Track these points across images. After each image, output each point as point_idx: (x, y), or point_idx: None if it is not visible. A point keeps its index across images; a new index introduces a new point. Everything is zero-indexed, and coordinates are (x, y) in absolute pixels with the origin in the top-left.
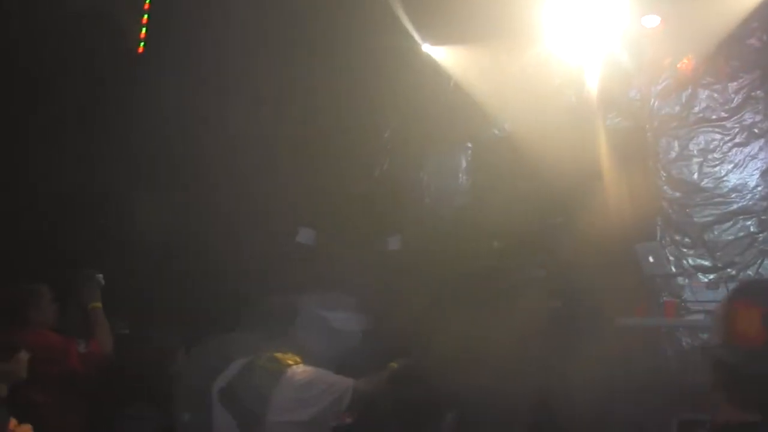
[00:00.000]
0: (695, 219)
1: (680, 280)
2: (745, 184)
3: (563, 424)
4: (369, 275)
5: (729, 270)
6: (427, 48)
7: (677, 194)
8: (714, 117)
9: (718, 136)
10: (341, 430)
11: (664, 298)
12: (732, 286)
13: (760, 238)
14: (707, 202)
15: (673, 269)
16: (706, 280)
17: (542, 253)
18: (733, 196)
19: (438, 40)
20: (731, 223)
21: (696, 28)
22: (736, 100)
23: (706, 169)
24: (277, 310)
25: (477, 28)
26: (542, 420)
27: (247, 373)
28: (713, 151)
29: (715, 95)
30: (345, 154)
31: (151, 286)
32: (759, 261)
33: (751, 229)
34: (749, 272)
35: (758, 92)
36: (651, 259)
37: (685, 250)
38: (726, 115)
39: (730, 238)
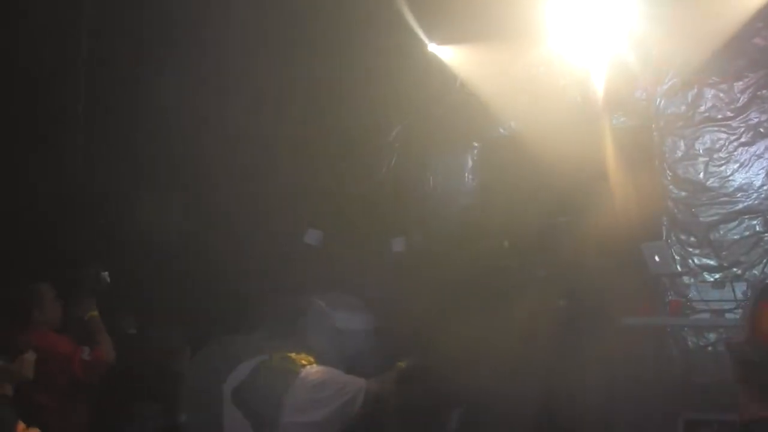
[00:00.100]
0: (701, 218)
1: (686, 279)
2: (750, 184)
3: (567, 423)
4: (374, 275)
5: (734, 269)
6: (433, 47)
7: (683, 193)
8: (720, 116)
9: (723, 136)
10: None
11: (670, 298)
12: (738, 285)
13: (766, 238)
14: (713, 201)
15: (679, 268)
16: (711, 279)
17: (547, 252)
18: (739, 195)
19: (444, 39)
20: (737, 222)
21: (701, 28)
22: (741, 99)
23: (712, 169)
24: (283, 311)
25: (483, 28)
26: (546, 419)
27: (261, 374)
28: (719, 150)
29: (721, 94)
30: (350, 154)
31: (154, 285)
32: (764, 260)
33: (757, 229)
34: (755, 272)
35: (764, 91)
36: (656, 259)
37: (690, 249)
38: (732, 115)
39: (735, 237)
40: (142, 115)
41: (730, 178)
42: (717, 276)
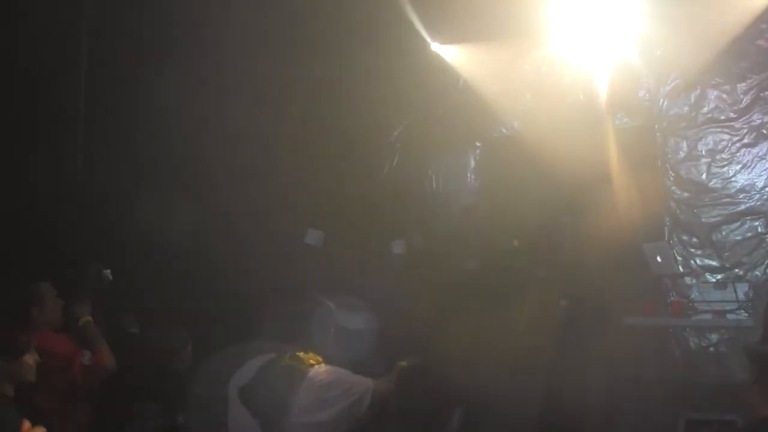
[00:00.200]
0: (703, 219)
1: (688, 280)
2: (753, 185)
3: (569, 423)
4: (375, 275)
5: (737, 270)
6: (435, 47)
7: (685, 194)
8: (723, 117)
9: (726, 137)
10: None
11: (672, 298)
12: (740, 286)
13: None
14: (715, 202)
15: (681, 269)
16: (713, 280)
17: (550, 252)
18: (741, 196)
19: (446, 39)
20: (739, 223)
21: (705, 29)
22: (744, 100)
23: (715, 170)
24: (287, 311)
25: (485, 28)
26: (548, 419)
27: (269, 372)
28: (721, 151)
29: (724, 96)
30: (351, 154)
31: (154, 285)
32: (766, 261)
33: (759, 230)
34: (757, 272)
35: (767, 93)
36: (659, 259)
37: (692, 250)
38: (735, 116)
39: (737, 238)
40: (142, 115)
41: (733, 179)
42: (719, 277)
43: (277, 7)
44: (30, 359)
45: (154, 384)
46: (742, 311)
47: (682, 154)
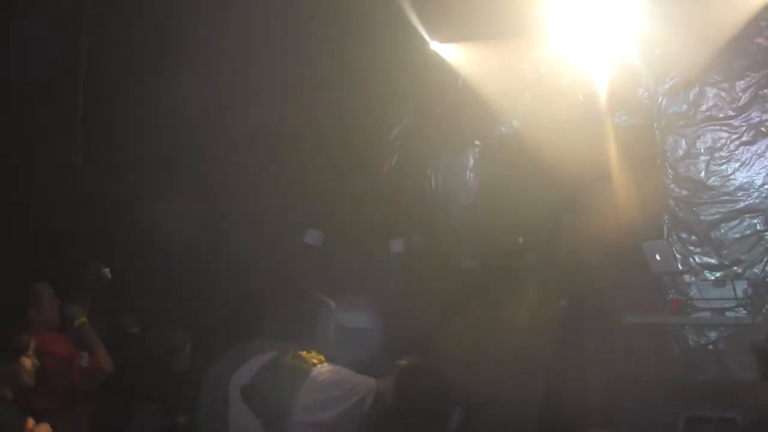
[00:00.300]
0: (702, 217)
1: (687, 277)
2: (751, 183)
3: (569, 421)
4: (376, 275)
5: (735, 268)
6: (435, 46)
7: (684, 192)
8: (721, 115)
9: (725, 135)
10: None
11: (671, 296)
12: (739, 284)
13: (767, 236)
14: (714, 200)
15: (680, 267)
16: (712, 277)
17: (549, 250)
18: (740, 194)
19: (446, 38)
20: (738, 221)
21: (704, 27)
22: (743, 98)
23: (713, 168)
24: (288, 310)
25: (485, 27)
26: (548, 418)
27: (271, 371)
28: (720, 149)
29: (723, 94)
30: (350, 154)
31: (154, 285)
32: (765, 259)
33: (758, 227)
34: (755, 270)
35: (765, 91)
36: (658, 257)
37: (691, 248)
38: (733, 114)
39: (736, 236)
40: (142, 115)
41: (731, 176)
42: (718, 274)
43: (274, 6)
44: (29, 363)
45: (153, 384)
46: (741, 309)
47: (681, 152)
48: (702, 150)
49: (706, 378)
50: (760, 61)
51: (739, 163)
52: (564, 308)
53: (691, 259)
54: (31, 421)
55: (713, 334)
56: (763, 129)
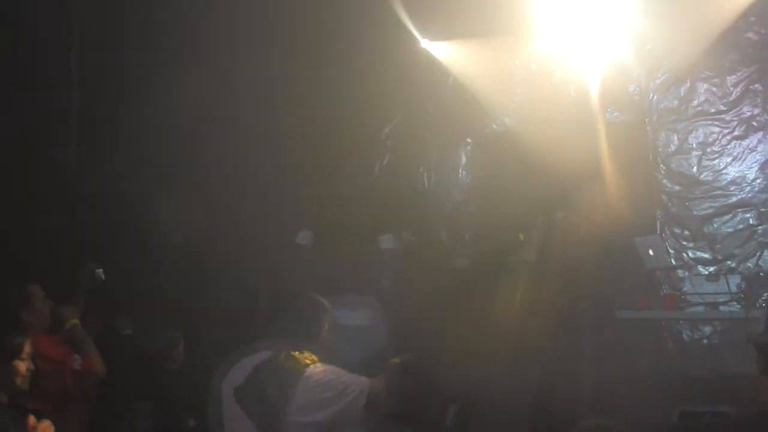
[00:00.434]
0: (695, 212)
1: (680, 272)
2: (744, 177)
3: (562, 416)
4: (369, 274)
5: (729, 262)
6: (426, 44)
7: (677, 187)
8: (713, 110)
9: (717, 130)
10: None
11: (664, 291)
12: (732, 278)
13: (760, 231)
14: (706, 195)
15: (673, 262)
16: (705, 272)
17: (542, 247)
18: (732, 188)
19: (437, 35)
20: (730, 215)
21: (694, 22)
22: (734, 93)
23: (706, 162)
24: (284, 310)
25: (475, 24)
26: (542, 413)
27: (264, 372)
28: (712, 144)
29: (714, 89)
30: (342, 153)
31: (149, 285)
32: (758, 253)
33: (751, 222)
34: (749, 264)
35: (756, 85)
36: (651, 252)
37: (684, 242)
38: (725, 109)
39: (729, 230)
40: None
41: (724, 171)
42: (711, 269)
43: (265, 6)
44: (23, 366)
45: (147, 383)
46: (735, 303)
47: (672, 148)
48: (694, 145)
49: (700, 372)
50: (751, 55)
51: (731, 158)
52: (561, 306)
53: (684, 254)
54: (32, 419)
55: (707, 329)
56: (754, 123)
